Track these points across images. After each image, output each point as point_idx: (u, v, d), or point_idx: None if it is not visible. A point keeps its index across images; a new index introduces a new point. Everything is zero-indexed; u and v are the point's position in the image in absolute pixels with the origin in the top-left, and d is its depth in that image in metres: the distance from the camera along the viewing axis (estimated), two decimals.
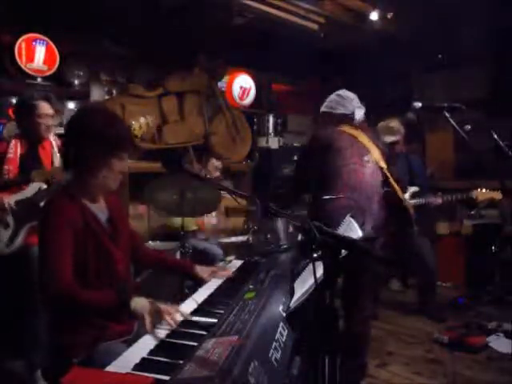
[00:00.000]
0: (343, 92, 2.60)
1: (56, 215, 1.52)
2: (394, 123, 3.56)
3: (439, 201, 3.53)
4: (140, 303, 1.42)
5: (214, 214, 3.94)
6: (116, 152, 1.59)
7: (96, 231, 1.58)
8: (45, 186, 2.57)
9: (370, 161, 2.46)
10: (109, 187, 1.65)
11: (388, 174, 2.53)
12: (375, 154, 2.50)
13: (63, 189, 1.65)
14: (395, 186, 2.58)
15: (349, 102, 2.55)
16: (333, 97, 2.60)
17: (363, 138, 2.50)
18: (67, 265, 1.47)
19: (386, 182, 2.55)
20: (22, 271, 2.53)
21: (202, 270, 1.92)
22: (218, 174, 4.08)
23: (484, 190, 3.40)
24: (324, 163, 2.47)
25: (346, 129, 2.52)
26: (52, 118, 2.65)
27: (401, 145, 3.64)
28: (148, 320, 1.37)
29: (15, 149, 2.61)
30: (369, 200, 2.40)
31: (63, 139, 1.67)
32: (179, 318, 1.42)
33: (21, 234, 2.53)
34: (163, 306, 1.42)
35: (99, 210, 1.66)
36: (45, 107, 2.61)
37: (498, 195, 3.37)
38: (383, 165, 2.52)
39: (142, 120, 2.65)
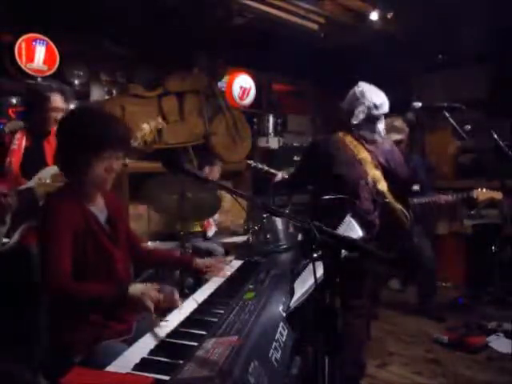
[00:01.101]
0: (358, 85, 2.37)
1: (55, 214, 1.52)
2: (399, 122, 3.56)
3: (442, 199, 3.51)
4: (137, 288, 1.42)
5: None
6: (102, 151, 1.58)
7: (95, 231, 1.59)
8: (48, 181, 2.52)
9: (366, 184, 2.31)
10: (102, 187, 1.65)
11: (388, 196, 2.34)
12: (375, 176, 2.33)
13: (62, 188, 1.66)
14: (396, 207, 2.37)
15: (352, 98, 2.35)
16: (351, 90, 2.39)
17: (363, 155, 2.32)
18: (66, 264, 1.47)
19: (384, 201, 2.37)
20: (20, 270, 2.52)
21: (201, 262, 1.93)
22: (218, 176, 4.08)
23: (484, 190, 3.40)
24: (321, 173, 2.39)
25: (348, 140, 2.34)
26: (63, 112, 2.59)
27: (404, 143, 3.64)
28: (147, 302, 1.37)
29: (20, 141, 2.56)
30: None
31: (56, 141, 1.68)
32: (178, 300, 1.44)
33: (17, 231, 2.49)
34: (163, 291, 1.42)
35: (98, 209, 1.66)
36: (58, 100, 2.57)
37: (498, 195, 3.37)
38: (382, 187, 2.34)
39: (153, 123, 2.60)
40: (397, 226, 2.39)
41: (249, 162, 3.14)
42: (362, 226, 2.15)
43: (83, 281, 1.51)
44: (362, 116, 2.31)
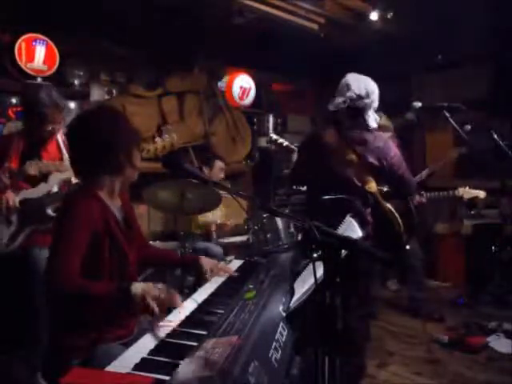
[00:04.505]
0: (345, 76, 2.28)
1: (73, 213, 1.50)
2: (384, 120, 3.55)
3: (423, 200, 3.48)
4: (140, 287, 1.41)
5: (213, 213, 3.93)
6: (133, 145, 1.62)
7: (114, 231, 1.58)
8: (55, 190, 2.51)
9: (355, 184, 2.27)
10: (131, 179, 1.67)
11: (376, 195, 2.27)
12: (363, 177, 2.26)
13: (82, 187, 1.65)
14: (384, 206, 2.33)
15: (339, 91, 2.26)
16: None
17: (351, 156, 2.23)
18: (74, 263, 1.44)
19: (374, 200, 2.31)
20: (23, 272, 2.52)
21: (207, 262, 1.91)
22: (222, 175, 4.06)
23: (467, 188, 3.42)
24: (311, 170, 2.42)
25: (335, 139, 2.27)
26: (59, 124, 2.56)
27: None
28: (150, 302, 1.36)
29: (17, 146, 2.54)
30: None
31: (68, 147, 1.67)
32: (179, 299, 1.44)
33: (22, 234, 2.49)
34: (164, 290, 1.42)
35: (116, 208, 1.66)
36: (53, 115, 2.50)
37: (482, 194, 3.41)
38: (370, 188, 2.26)
39: (168, 139, 2.46)
40: (388, 229, 2.35)
41: (271, 135, 3.01)
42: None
43: (97, 280, 1.50)
44: (342, 105, 2.21)
